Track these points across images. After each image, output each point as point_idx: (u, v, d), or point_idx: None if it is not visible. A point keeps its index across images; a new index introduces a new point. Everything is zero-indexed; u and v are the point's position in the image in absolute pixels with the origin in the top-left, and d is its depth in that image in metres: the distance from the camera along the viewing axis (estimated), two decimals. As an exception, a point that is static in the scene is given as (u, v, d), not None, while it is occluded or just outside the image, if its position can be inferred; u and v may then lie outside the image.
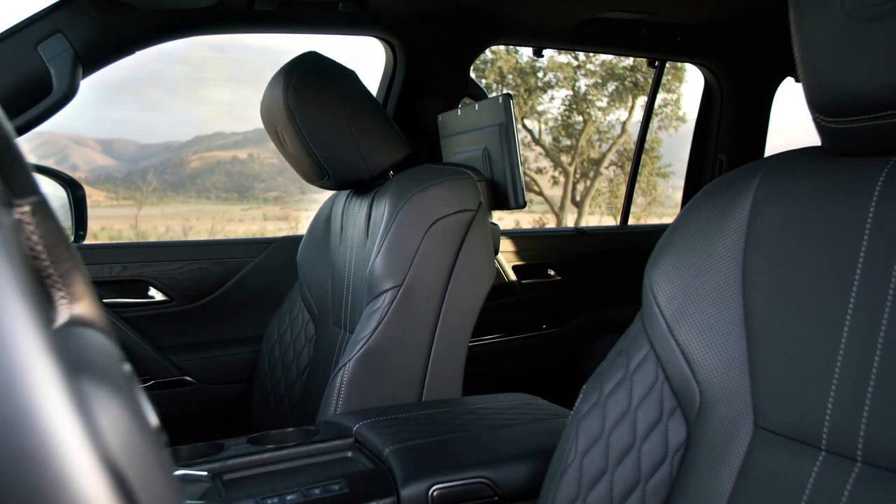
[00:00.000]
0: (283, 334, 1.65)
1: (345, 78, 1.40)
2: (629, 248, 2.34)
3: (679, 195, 2.63)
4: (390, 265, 1.30)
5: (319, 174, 1.42)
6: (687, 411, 0.68)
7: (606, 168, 11.55)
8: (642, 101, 10.84)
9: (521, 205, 1.50)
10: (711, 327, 0.67)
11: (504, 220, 11.71)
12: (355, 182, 1.44)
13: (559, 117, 11.57)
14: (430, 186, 1.33)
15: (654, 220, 10.43)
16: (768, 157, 0.71)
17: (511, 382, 2.13)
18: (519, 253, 2.17)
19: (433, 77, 1.85)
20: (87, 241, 1.63)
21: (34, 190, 0.25)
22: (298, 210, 13.21)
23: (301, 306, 1.63)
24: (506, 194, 1.50)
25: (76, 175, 1.63)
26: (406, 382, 1.32)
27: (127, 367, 0.25)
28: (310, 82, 1.35)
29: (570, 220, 11.68)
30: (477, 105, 1.61)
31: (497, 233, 1.52)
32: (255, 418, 1.67)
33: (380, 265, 1.31)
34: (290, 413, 1.58)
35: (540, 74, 11.22)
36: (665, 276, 0.71)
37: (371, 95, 1.45)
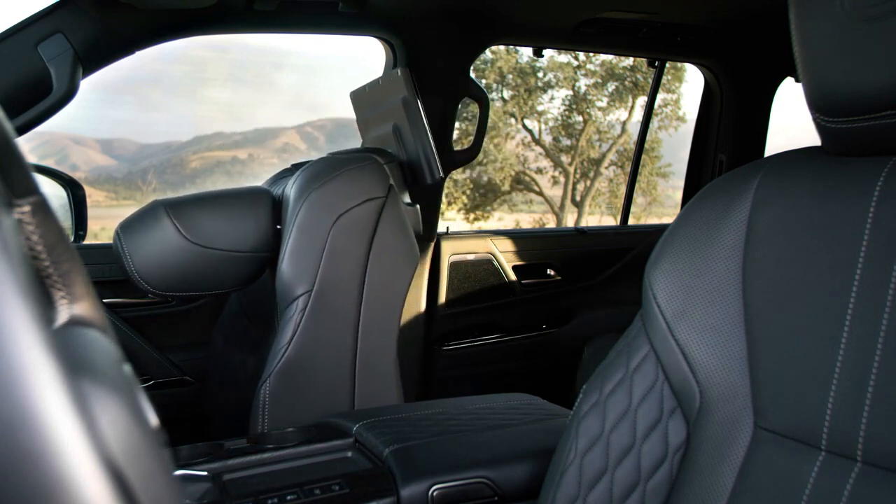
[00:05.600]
0: (227, 339, 1.59)
1: (166, 213, 1.30)
2: (629, 248, 2.34)
3: (679, 195, 2.63)
4: (297, 270, 1.24)
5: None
6: (687, 411, 0.68)
7: (606, 168, 11.54)
8: (642, 101, 10.84)
9: (437, 179, 1.43)
10: (711, 327, 0.67)
11: (504, 220, 11.72)
12: (264, 267, 1.37)
13: (559, 117, 11.57)
14: (328, 181, 1.26)
15: (654, 220, 10.43)
16: (768, 157, 0.71)
17: (511, 382, 2.13)
18: (519, 253, 2.17)
19: (433, 77, 1.85)
20: (87, 241, 1.63)
21: (34, 190, 0.25)
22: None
23: (241, 311, 1.60)
24: (422, 171, 1.43)
25: (76, 175, 1.63)
26: (334, 389, 1.26)
27: (127, 367, 0.25)
28: (142, 248, 1.27)
29: (570, 220, 11.67)
30: (381, 80, 1.55)
31: (416, 213, 1.42)
32: (215, 421, 1.62)
33: (286, 271, 1.24)
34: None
35: (540, 74, 11.22)
36: (665, 276, 0.71)
37: (192, 197, 1.35)
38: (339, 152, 1.46)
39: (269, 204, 1.36)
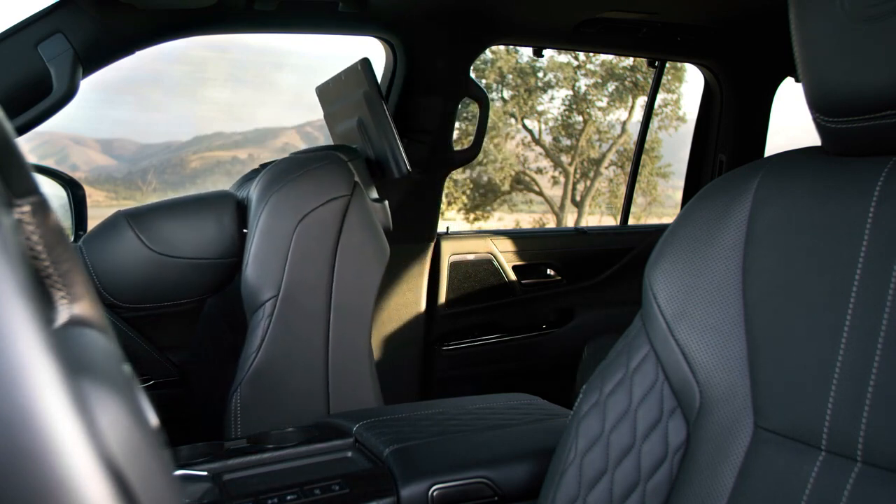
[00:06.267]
0: (204, 343, 1.57)
1: (128, 224, 1.29)
2: (629, 248, 2.34)
3: (679, 195, 2.63)
4: (262, 274, 1.21)
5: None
6: (687, 411, 0.68)
7: (606, 168, 11.55)
8: (642, 101, 10.84)
9: (404, 173, 1.39)
10: (711, 327, 0.67)
11: (504, 220, 11.72)
12: (233, 272, 1.34)
13: (559, 117, 11.57)
14: (289, 182, 1.24)
15: (654, 220, 10.43)
16: (768, 157, 0.71)
17: (511, 382, 2.13)
18: (519, 253, 2.17)
19: (433, 77, 1.85)
20: (87, 241, 1.62)
21: (34, 190, 0.25)
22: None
23: (219, 314, 1.58)
24: (389, 166, 1.40)
25: (76, 175, 1.63)
26: (308, 393, 1.23)
27: (127, 367, 0.25)
28: (106, 261, 1.26)
29: (570, 220, 11.67)
30: (342, 75, 1.49)
31: (384, 209, 1.39)
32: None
33: (251, 276, 1.22)
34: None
35: (540, 74, 11.22)
36: (665, 276, 0.71)
37: (155, 205, 1.33)
38: (301, 151, 1.44)
39: (232, 208, 1.33)
